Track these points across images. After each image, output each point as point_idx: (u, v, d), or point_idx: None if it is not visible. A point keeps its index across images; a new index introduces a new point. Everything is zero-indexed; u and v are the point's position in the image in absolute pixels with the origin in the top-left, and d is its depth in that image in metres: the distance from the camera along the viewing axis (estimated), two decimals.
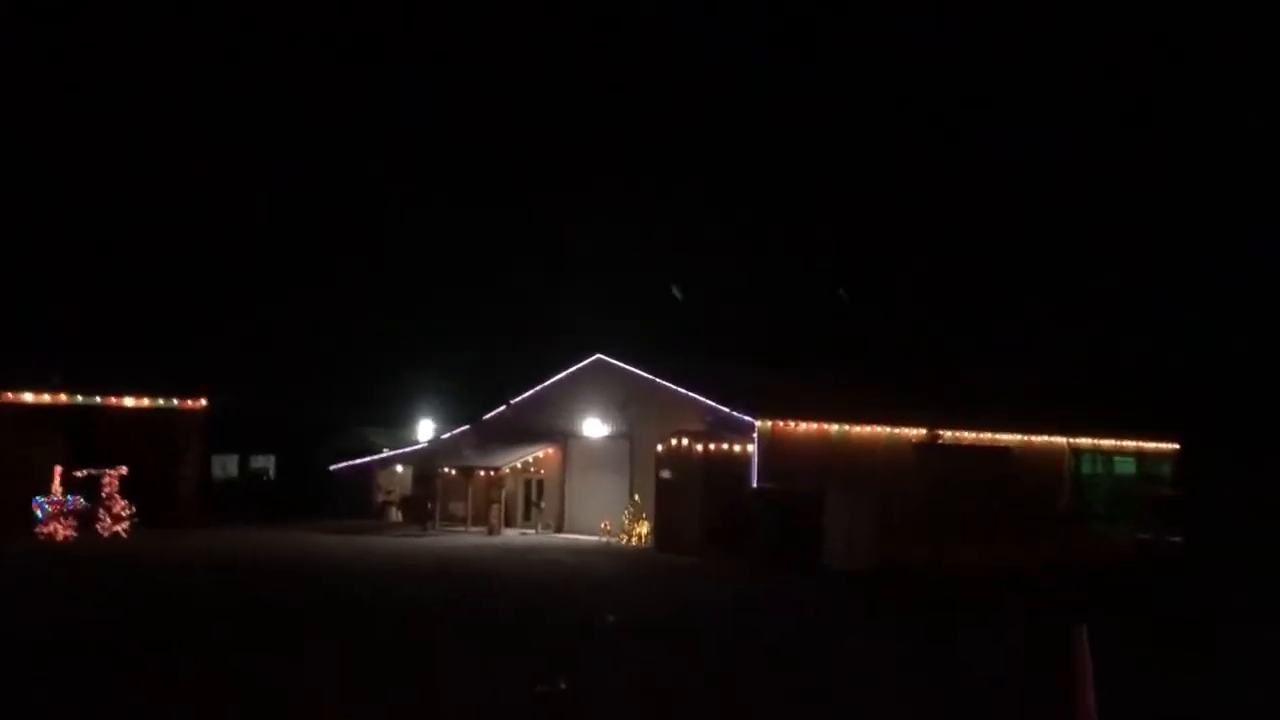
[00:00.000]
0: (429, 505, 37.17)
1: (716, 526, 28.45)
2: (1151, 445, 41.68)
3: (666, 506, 29.78)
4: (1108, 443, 40.75)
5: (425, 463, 39.01)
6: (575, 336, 37.25)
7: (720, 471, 29.15)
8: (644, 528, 31.22)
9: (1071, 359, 47.01)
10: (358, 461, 43.70)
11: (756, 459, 29.58)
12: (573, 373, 35.98)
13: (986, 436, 36.51)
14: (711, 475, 29.04)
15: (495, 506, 34.95)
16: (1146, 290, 51.90)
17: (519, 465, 35.83)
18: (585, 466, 35.27)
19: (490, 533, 34.24)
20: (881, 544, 25.91)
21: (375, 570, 23.81)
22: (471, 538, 33.32)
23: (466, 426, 39.33)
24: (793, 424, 30.75)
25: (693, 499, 29.03)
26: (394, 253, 66.45)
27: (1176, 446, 42.30)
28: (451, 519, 37.16)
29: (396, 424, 47.96)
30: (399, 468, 42.54)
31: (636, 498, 32.02)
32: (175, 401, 34.28)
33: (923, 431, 34.07)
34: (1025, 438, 37.72)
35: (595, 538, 32.38)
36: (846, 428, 32.03)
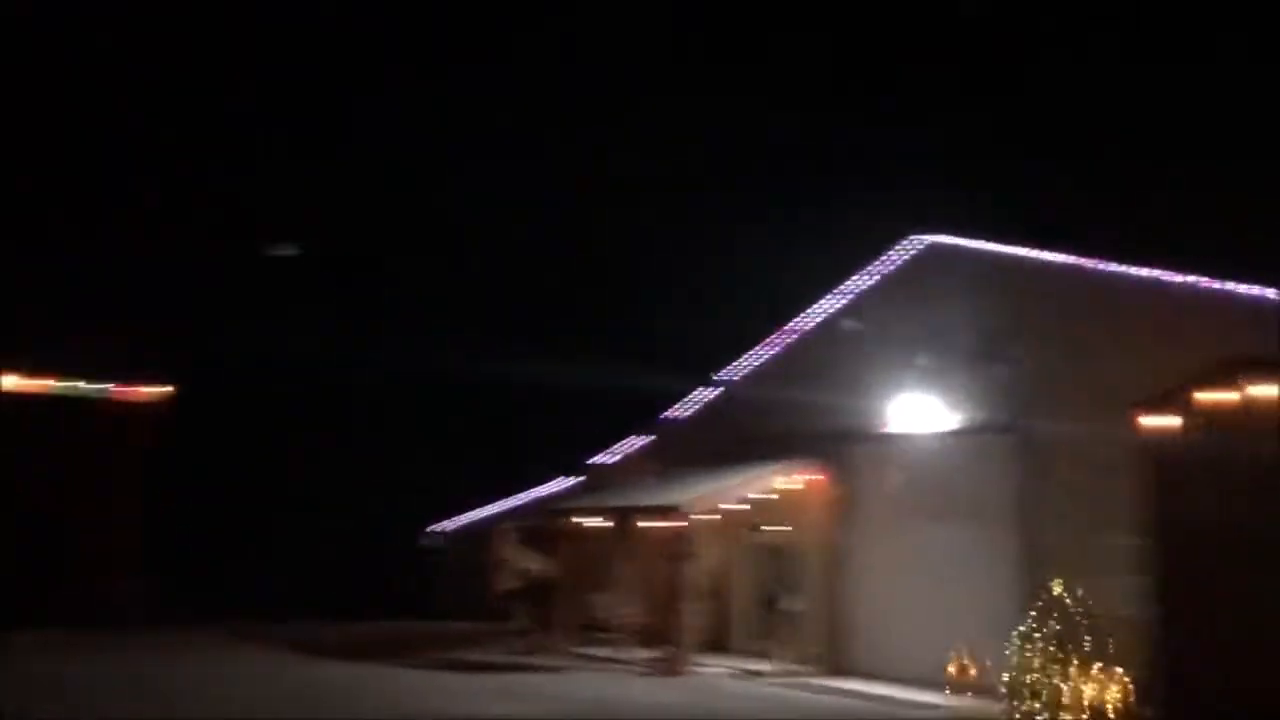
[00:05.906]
0: (551, 600, 17.58)
1: None
2: None
3: (1211, 605, 8.61)
4: None
5: (556, 514, 19.50)
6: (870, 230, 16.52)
7: None
8: (1115, 688, 9.86)
9: None
10: (470, 518, 25.00)
11: None
12: (870, 289, 15.62)
13: None
14: None
15: (684, 607, 14.83)
16: None
17: (733, 507, 15.49)
18: (895, 511, 14.53)
19: (660, 670, 14.13)
20: None
21: None
22: (615, 683, 13.38)
23: (647, 437, 19.36)
24: None
25: None
26: None
27: None
28: (597, 627, 17.33)
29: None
30: None
31: (1059, 589, 10.86)
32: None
33: None
34: None
35: (927, 699, 11.55)
36: None
